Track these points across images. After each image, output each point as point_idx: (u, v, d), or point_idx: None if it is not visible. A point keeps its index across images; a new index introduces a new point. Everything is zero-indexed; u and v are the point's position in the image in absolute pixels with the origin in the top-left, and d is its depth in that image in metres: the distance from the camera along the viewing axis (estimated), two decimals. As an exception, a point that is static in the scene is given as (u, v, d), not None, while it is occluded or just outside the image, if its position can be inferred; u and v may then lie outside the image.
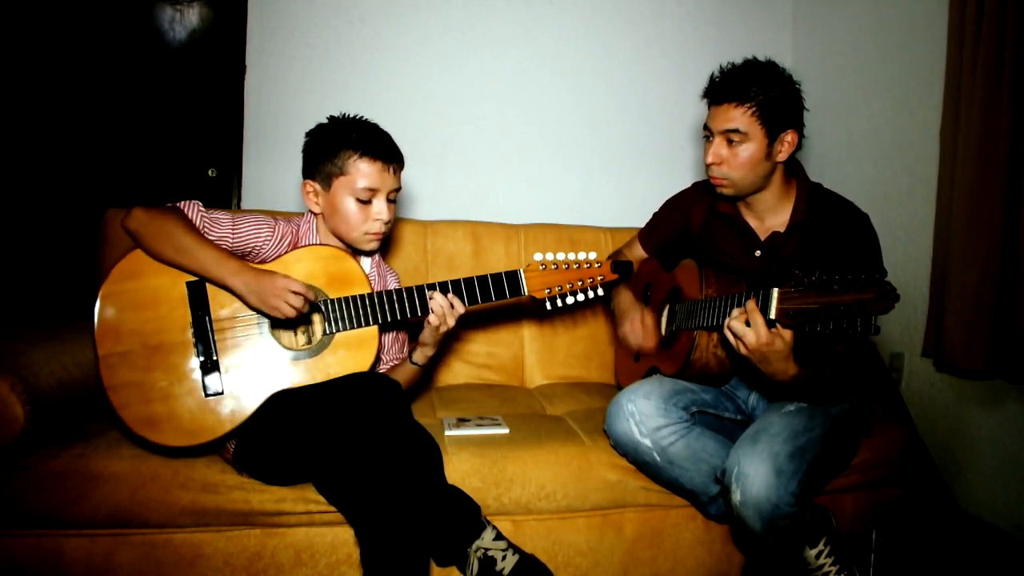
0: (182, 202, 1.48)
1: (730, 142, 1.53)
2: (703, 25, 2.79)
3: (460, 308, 1.54)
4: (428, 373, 1.94)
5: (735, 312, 1.34)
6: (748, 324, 1.31)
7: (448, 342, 2.16)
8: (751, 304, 1.31)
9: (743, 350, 1.33)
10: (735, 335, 1.33)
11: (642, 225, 1.96)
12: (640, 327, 1.76)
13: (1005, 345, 1.86)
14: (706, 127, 1.59)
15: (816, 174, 2.63)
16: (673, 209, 1.85)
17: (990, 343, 1.86)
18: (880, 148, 2.38)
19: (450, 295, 1.53)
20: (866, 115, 2.45)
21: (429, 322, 1.54)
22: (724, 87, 1.54)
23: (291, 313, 1.42)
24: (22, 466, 1.41)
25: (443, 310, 1.52)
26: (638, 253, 1.94)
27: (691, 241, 1.77)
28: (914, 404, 2.20)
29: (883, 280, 1.17)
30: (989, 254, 1.85)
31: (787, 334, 1.30)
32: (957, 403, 2.09)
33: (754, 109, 1.50)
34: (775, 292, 1.26)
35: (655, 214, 1.92)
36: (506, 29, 2.65)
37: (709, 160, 1.56)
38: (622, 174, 2.76)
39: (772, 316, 1.26)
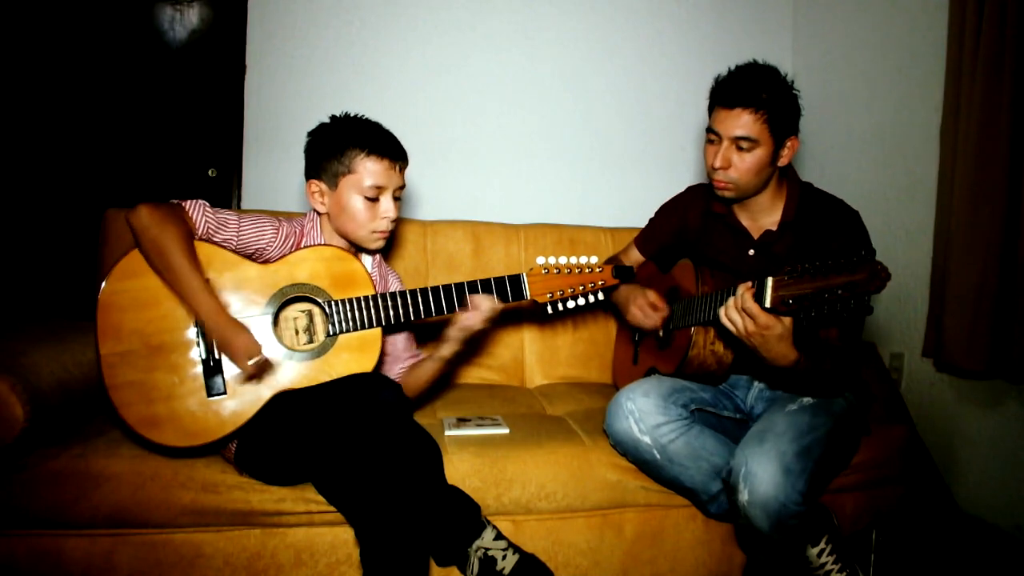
0: (188, 201, 1.46)
1: (739, 148, 1.52)
2: (703, 25, 2.79)
3: (499, 306, 1.57)
4: (451, 371, 1.94)
5: (729, 301, 1.35)
6: (744, 311, 1.31)
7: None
8: (743, 288, 1.32)
9: (741, 331, 1.33)
10: (731, 320, 1.34)
11: (642, 226, 1.97)
12: (647, 304, 1.71)
13: (1005, 345, 1.86)
14: (711, 130, 1.57)
15: (816, 174, 2.63)
16: (670, 213, 1.86)
17: (990, 343, 1.86)
18: (880, 148, 2.38)
19: (488, 295, 1.55)
20: (866, 115, 2.44)
21: (471, 318, 1.56)
22: (736, 90, 1.51)
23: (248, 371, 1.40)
24: (22, 466, 1.41)
25: (487, 311, 1.55)
26: (635, 258, 1.95)
27: (688, 242, 1.78)
28: (914, 404, 2.20)
29: (873, 260, 1.19)
30: (989, 254, 1.85)
31: (786, 319, 1.31)
32: (957, 403, 2.09)
33: (765, 116, 1.50)
34: (769, 280, 1.27)
35: (651, 220, 1.93)
36: (506, 29, 2.65)
37: (717, 164, 1.55)
38: (622, 174, 2.76)
39: (768, 304, 1.27)
